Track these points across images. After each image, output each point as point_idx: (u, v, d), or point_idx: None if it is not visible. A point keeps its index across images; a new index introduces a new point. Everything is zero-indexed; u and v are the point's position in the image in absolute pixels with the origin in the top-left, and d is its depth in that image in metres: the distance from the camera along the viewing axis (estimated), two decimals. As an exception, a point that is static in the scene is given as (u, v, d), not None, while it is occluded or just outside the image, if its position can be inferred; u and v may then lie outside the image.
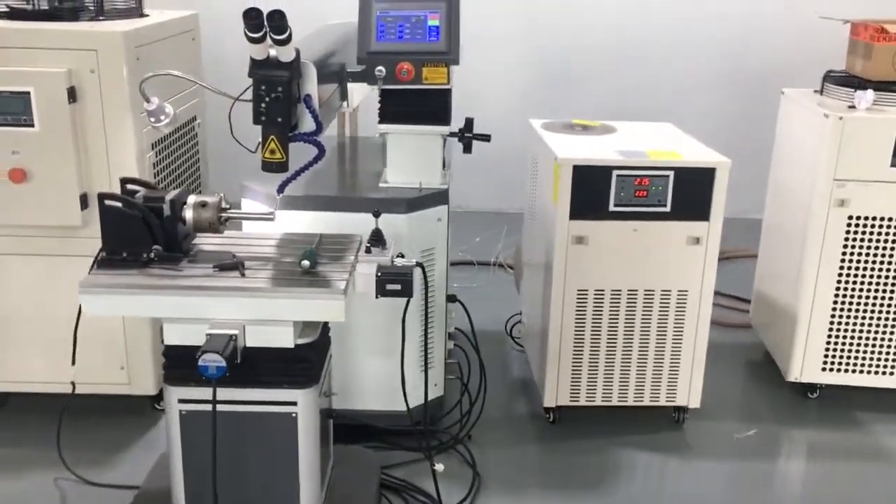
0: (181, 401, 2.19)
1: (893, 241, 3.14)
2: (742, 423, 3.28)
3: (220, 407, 2.11)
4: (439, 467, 2.60)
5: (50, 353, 2.98)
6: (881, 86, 3.14)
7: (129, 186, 2.28)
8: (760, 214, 3.79)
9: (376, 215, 2.41)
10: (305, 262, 2.14)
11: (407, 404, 2.50)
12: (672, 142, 3.17)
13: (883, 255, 3.16)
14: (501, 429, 3.18)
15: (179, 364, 2.15)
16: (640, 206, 2.92)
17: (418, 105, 2.77)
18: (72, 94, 2.73)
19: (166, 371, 2.18)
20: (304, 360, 2.18)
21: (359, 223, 2.67)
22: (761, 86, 5.37)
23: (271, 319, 2.08)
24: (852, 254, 3.17)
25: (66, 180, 2.79)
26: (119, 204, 2.17)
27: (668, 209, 2.92)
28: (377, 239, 2.40)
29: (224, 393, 2.11)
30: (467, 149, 2.91)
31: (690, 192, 2.91)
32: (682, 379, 3.11)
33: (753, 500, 2.89)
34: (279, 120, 2.14)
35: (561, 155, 2.91)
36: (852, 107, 3.14)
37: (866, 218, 3.13)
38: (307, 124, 2.24)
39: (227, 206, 2.24)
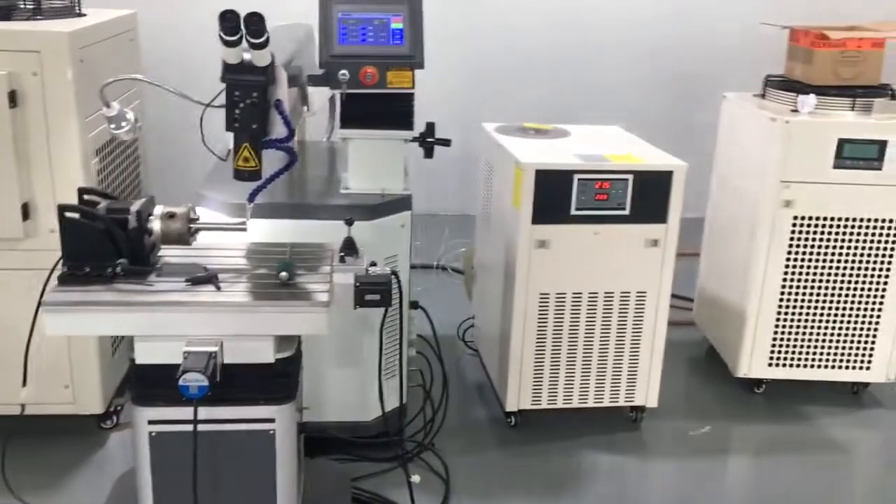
0: (151, 422, 2.08)
1: (836, 240, 3.26)
2: (695, 420, 3.35)
3: (188, 427, 2.02)
4: (415, 478, 2.56)
5: (-11, 373, 2.80)
6: (821, 90, 3.25)
7: (88, 197, 2.15)
8: (696, 213, 3.86)
9: (349, 223, 2.35)
10: (283, 274, 2.07)
11: (384, 413, 2.45)
12: (626, 146, 3.21)
13: (826, 253, 3.27)
14: (463, 435, 3.16)
15: (151, 383, 2.04)
16: (600, 209, 2.94)
17: (381, 110, 2.72)
18: (12, 99, 2.57)
19: (135, 391, 2.08)
20: (283, 375, 2.11)
21: (322, 231, 2.62)
22: (692, 88, 5.52)
23: (251, 335, 2.00)
24: (798, 252, 3.28)
25: (5, 189, 2.63)
26: (81, 216, 2.05)
27: (627, 212, 2.95)
28: (350, 247, 2.34)
29: (202, 412, 2.02)
30: (429, 154, 2.87)
31: (649, 196, 2.95)
32: (641, 379, 3.15)
33: (713, 496, 2.95)
34: (254, 126, 2.06)
35: (523, 160, 2.90)
36: (795, 111, 3.24)
37: (811, 218, 3.24)
38: (278, 130, 2.16)
39: (196, 217, 2.14)
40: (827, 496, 2.98)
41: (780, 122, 3.16)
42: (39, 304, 2.18)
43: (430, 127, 2.86)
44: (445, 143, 2.90)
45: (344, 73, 2.60)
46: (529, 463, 3.03)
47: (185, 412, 2.02)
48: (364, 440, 2.90)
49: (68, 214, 2.03)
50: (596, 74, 5.58)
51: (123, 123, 2.20)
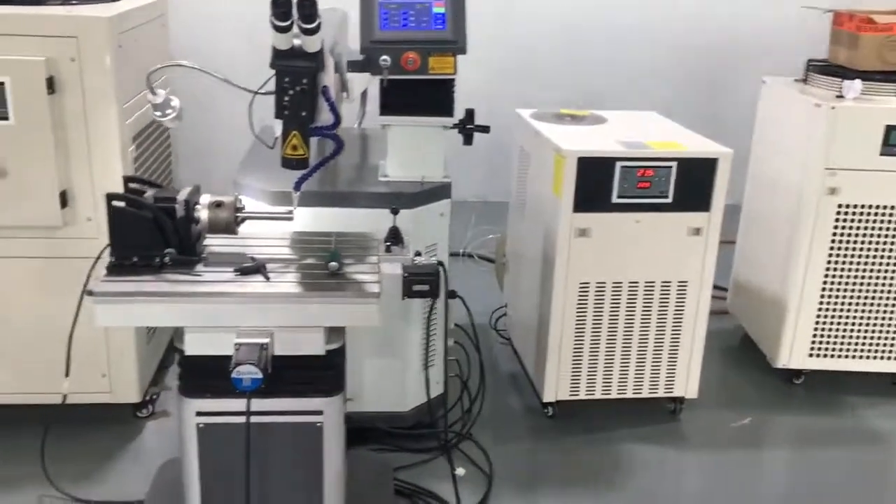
0: (199, 413, 2.05)
1: (881, 228, 3.20)
2: (734, 411, 3.31)
3: (242, 419, 1.99)
4: (460, 471, 2.53)
5: (26, 363, 2.78)
6: (867, 75, 3.18)
7: (133, 185, 2.12)
8: (728, 200, 3.79)
9: (394, 212, 2.32)
10: (333, 264, 2.03)
11: (429, 402, 2.42)
12: (667, 132, 3.15)
13: (871, 242, 3.21)
14: (500, 426, 3.13)
15: (199, 374, 2.01)
16: (642, 197, 2.89)
17: (422, 96, 2.67)
18: (50, 85, 2.54)
19: (183, 382, 2.05)
20: (331, 367, 2.08)
21: (362, 219, 2.59)
22: (720, 74, 5.45)
23: (302, 326, 1.97)
24: (841, 241, 3.22)
25: (44, 177, 2.60)
26: (129, 205, 2.01)
27: (669, 200, 2.90)
28: (395, 237, 2.31)
29: (241, 403, 2.00)
30: (468, 140, 2.82)
31: (692, 183, 2.89)
32: (681, 370, 3.10)
33: (756, 488, 2.91)
34: (303, 114, 2.02)
35: (564, 147, 2.85)
36: (840, 96, 3.17)
37: (856, 206, 3.18)
38: (325, 117, 2.12)
39: (243, 206, 2.11)
40: (869, 488, 2.93)
41: (826, 107, 3.09)
42: (83, 294, 2.16)
43: (470, 113, 2.81)
44: (484, 129, 2.85)
45: (385, 59, 2.55)
46: (569, 454, 3.00)
47: (234, 404, 2.01)
48: (402, 430, 2.88)
49: (116, 203, 2.00)
50: (623, 61, 5.51)
51: (169, 111, 2.16)
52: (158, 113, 2.16)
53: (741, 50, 5.48)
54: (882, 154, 3.12)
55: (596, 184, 2.86)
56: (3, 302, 2.73)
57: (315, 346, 1.99)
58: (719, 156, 2.89)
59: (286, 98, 2.00)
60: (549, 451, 3.02)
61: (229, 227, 2.08)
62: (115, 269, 2.00)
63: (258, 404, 2.01)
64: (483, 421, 3.05)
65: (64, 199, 2.64)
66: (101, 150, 2.65)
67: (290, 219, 2.15)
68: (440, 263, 2.26)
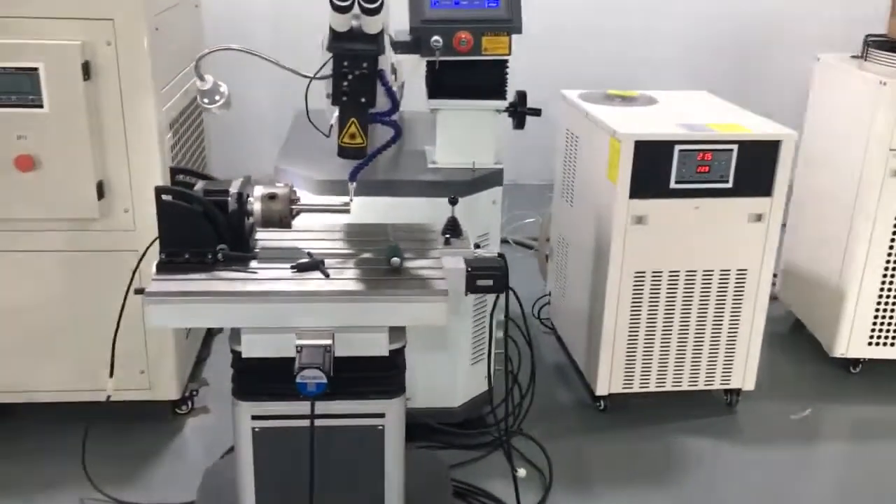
0: (255, 417, 1.95)
1: (945, 212, 3.06)
2: (792, 402, 3.19)
3: (300, 422, 1.89)
4: (521, 472, 2.43)
5: (63, 360, 2.68)
6: (931, 51, 3.04)
7: (181, 177, 2.01)
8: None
9: (453, 202, 2.19)
10: (395, 260, 1.92)
11: (491, 398, 2.32)
12: (724, 113, 3.02)
13: (935, 226, 3.08)
14: (550, 420, 3.02)
15: (255, 377, 1.91)
16: (701, 182, 2.76)
17: (474, 78, 2.54)
18: (86, 70, 2.42)
19: (238, 385, 1.94)
20: (393, 368, 1.97)
21: (412, 209, 2.47)
22: (755, 52, 5.29)
23: (366, 325, 1.86)
24: (904, 226, 3.09)
25: (80, 167, 2.49)
26: (179, 199, 1.90)
27: (730, 185, 2.77)
28: (453, 228, 2.19)
29: (306, 407, 1.90)
30: (520, 125, 2.70)
31: (753, 167, 2.76)
32: (738, 361, 2.99)
33: (817, 483, 2.80)
34: (362, 100, 1.90)
35: (620, 130, 2.72)
36: (902, 73, 3.03)
37: (920, 188, 3.04)
38: (381, 102, 1.99)
39: (298, 198, 1.99)
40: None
41: (892, 84, 2.95)
42: (128, 291, 2.06)
43: (523, 96, 2.68)
44: (536, 112, 2.72)
45: (437, 40, 2.43)
46: (624, 449, 2.89)
47: (291, 408, 1.91)
48: (451, 427, 2.78)
49: (165, 197, 1.88)
50: (657, 40, 5.35)
51: (217, 97, 2.04)
52: (206, 100, 2.04)
53: (777, 23, 5.32)
54: (949, 134, 2.98)
55: (653, 168, 2.73)
56: (38, 297, 2.63)
57: (379, 346, 1.88)
58: (783, 138, 2.75)
59: (345, 83, 1.88)
60: (604, 446, 2.91)
61: (284, 221, 1.97)
62: (165, 267, 1.89)
63: (318, 407, 1.90)
64: (533, 415, 2.93)
65: (101, 190, 2.53)
66: (139, 138, 2.53)
67: (347, 211, 2.03)
68: (501, 256, 2.14)
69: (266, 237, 2.07)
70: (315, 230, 2.15)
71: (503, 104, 2.60)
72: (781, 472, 2.83)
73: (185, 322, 1.86)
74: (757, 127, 2.82)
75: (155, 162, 2.55)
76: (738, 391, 3.07)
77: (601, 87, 3.25)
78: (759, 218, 2.82)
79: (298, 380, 1.73)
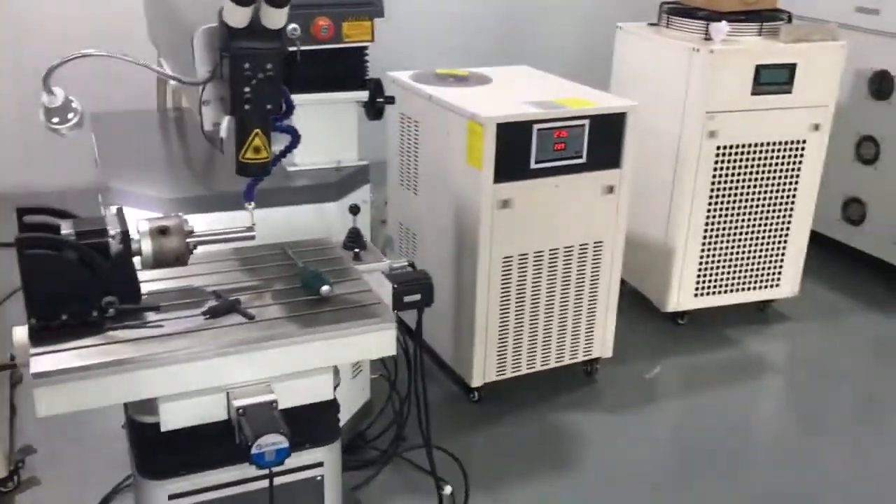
0: (173, 496, 1.62)
1: (752, 166, 3.29)
2: (639, 361, 3.31)
3: (230, 491, 1.61)
4: (447, 489, 2.27)
5: None
6: (729, 16, 3.22)
7: (32, 218, 1.60)
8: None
9: (355, 211, 1.97)
10: (326, 289, 1.67)
11: (427, 415, 2.14)
12: (562, 88, 3.00)
13: (744, 180, 3.30)
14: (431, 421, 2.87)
15: (174, 450, 1.58)
16: (559, 160, 2.73)
17: (333, 68, 2.29)
18: None
19: (152, 463, 1.60)
20: (332, 409, 1.72)
21: (278, 221, 2.19)
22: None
23: (309, 370, 1.60)
24: (720, 182, 3.28)
25: None
26: (45, 247, 1.50)
27: (584, 160, 2.77)
28: (358, 239, 1.97)
29: (230, 473, 1.62)
30: (378, 115, 2.49)
31: (604, 140, 2.78)
32: (598, 331, 3.03)
33: (701, 431, 2.94)
34: (268, 107, 1.61)
35: (481, 113, 2.60)
36: (707, 38, 3.19)
37: (732, 146, 3.24)
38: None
39: (192, 228, 1.66)
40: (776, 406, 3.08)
41: (704, 51, 3.10)
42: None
43: (378, 84, 2.46)
44: (391, 101, 2.52)
45: (294, 28, 2.14)
46: (511, 438, 2.83)
47: (218, 476, 1.61)
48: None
49: (30, 251, 1.48)
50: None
51: (70, 115, 1.63)
52: (56, 119, 1.62)
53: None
54: (753, 94, 3.19)
55: (514, 151, 2.65)
56: None
57: (324, 390, 1.63)
58: (628, 109, 2.79)
59: (246, 89, 1.58)
60: (488, 437, 2.83)
61: (180, 259, 1.64)
62: (41, 335, 1.50)
63: (245, 470, 1.62)
64: (411, 420, 2.78)
65: None
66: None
67: (252, 237, 1.73)
68: (411, 264, 1.96)
69: (148, 279, 1.72)
70: (201, 261, 1.82)
71: (365, 95, 2.37)
72: (662, 429, 2.94)
73: (86, 404, 1.47)
74: (603, 100, 2.84)
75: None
76: (597, 360, 3.12)
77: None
78: (610, 190, 2.85)
79: (255, 450, 1.45)
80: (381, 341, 1.63)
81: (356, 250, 1.92)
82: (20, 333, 1.53)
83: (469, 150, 2.66)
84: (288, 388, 1.58)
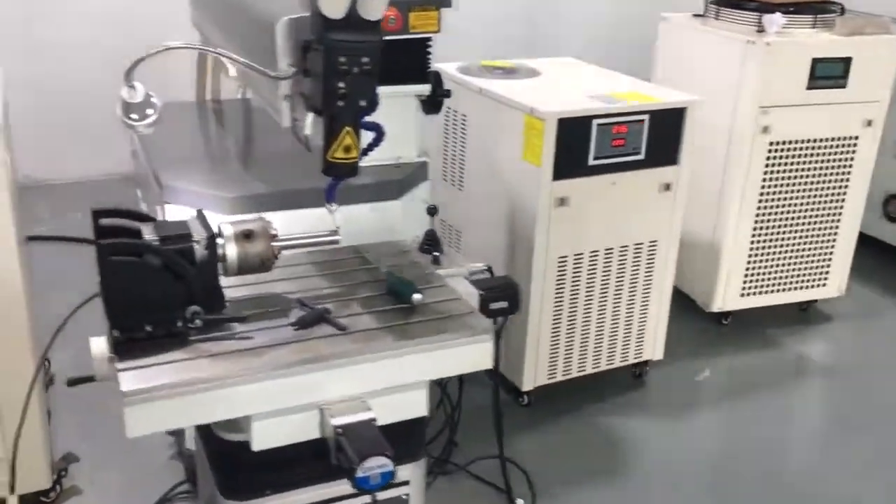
0: (263, 517, 1.53)
1: (804, 162, 3.20)
2: (687, 363, 3.22)
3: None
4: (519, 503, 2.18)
5: None
6: (783, 8, 3.13)
7: (108, 221, 1.49)
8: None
9: (432, 212, 1.86)
10: (418, 297, 1.57)
11: (500, 428, 2.04)
12: (616, 81, 2.90)
13: (795, 177, 3.21)
14: (482, 427, 2.78)
15: (261, 470, 1.48)
16: (617, 156, 2.64)
17: (397, 60, 2.17)
18: None
19: (238, 483, 1.50)
20: (419, 425, 1.63)
21: (344, 219, 2.08)
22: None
23: (403, 385, 1.50)
24: (771, 179, 3.19)
25: None
26: (127, 253, 1.40)
27: (642, 157, 2.68)
28: (434, 242, 1.86)
29: (316, 492, 1.53)
30: (436, 109, 2.38)
31: (662, 136, 2.68)
32: (649, 333, 2.94)
33: (751, 436, 2.86)
34: (361, 104, 1.51)
35: (541, 108, 2.50)
36: (760, 31, 3.10)
37: (785, 142, 3.15)
38: None
39: (276, 232, 1.56)
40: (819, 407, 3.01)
41: (761, 44, 3.00)
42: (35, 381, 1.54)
43: (438, 77, 2.36)
44: (448, 94, 2.42)
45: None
46: (564, 441, 2.75)
47: (303, 496, 1.52)
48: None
49: (115, 258, 1.37)
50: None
51: (149, 111, 1.52)
52: (135, 116, 1.51)
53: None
54: (808, 88, 3.10)
55: (573, 147, 2.55)
56: None
57: (418, 406, 1.54)
58: (688, 104, 2.69)
59: (341, 84, 1.47)
60: (541, 443, 2.75)
61: (266, 264, 1.53)
62: (126, 349, 1.39)
63: (333, 487, 1.53)
64: (463, 426, 2.69)
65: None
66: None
67: (338, 241, 1.63)
68: (489, 269, 1.87)
69: (225, 285, 1.61)
70: (276, 266, 1.71)
71: (427, 88, 2.27)
72: (713, 433, 2.86)
73: (177, 422, 1.38)
74: (662, 94, 2.74)
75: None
76: (646, 362, 3.04)
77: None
78: (667, 187, 2.76)
79: (360, 473, 1.35)
80: (478, 354, 1.53)
81: (435, 254, 1.82)
82: (99, 346, 1.43)
83: (525, 145, 2.56)
84: (383, 404, 1.47)
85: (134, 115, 1.50)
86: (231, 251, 1.49)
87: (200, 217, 1.52)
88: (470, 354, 1.53)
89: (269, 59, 1.64)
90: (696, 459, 2.73)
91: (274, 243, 1.53)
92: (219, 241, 1.48)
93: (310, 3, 1.45)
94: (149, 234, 1.44)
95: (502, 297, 1.75)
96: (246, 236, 1.51)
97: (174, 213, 2.03)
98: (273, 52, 1.63)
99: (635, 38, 4.24)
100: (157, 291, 1.41)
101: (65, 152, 4.53)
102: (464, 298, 1.64)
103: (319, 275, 1.71)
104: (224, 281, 1.58)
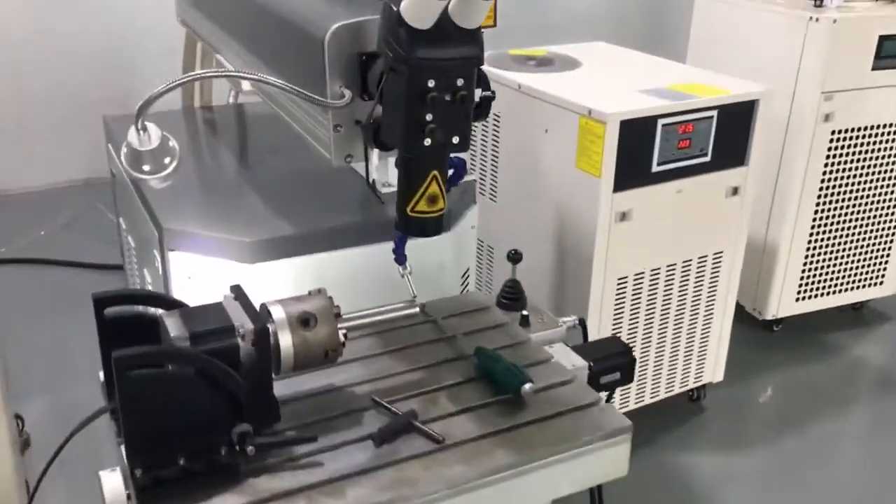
0: None
1: (867, 152, 2.88)
2: (744, 379, 2.89)
3: None
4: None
5: None
6: (841, -20, 2.79)
7: (114, 310, 1.10)
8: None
9: (516, 260, 1.49)
10: (529, 387, 1.20)
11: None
12: (668, 70, 2.54)
13: (857, 168, 2.89)
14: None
15: None
16: (682, 160, 2.28)
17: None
18: None
19: None
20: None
21: (382, 260, 1.71)
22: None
23: (525, 509, 1.14)
24: (832, 172, 2.86)
25: None
26: (147, 363, 1.01)
27: (708, 158, 2.32)
28: (517, 295, 1.49)
29: None
30: (484, 114, 1.99)
31: (730, 134, 2.33)
32: (711, 353, 2.61)
33: (830, 457, 2.55)
34: (455, 141, 1.13)
35: (599, 108, 2.13)
36: (819, 5, 2.75)
37: (847, 130, 2.82)
38: None
39: (339, 310, 1.18)
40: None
41: (825, 20, 2.65)
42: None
43: (484, 78, 1.97)
44: (494, 95, 2.03)
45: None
46: (630, 481, 2.40)
47: None
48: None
49: (135, 372, 0.99)
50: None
51: (167, 159, 1.12)
52: (147, 167, 1.11)
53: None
54: (874, 69, 2.77)
55: (635, 152, 2.19)
56: None
57: (539, 533, 1.17)
58: (761, 96, 2.34)
59: (429, 116, 1.09)
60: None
61: (331, 356, 1.15)
62: (153, 494, 1.01)
63: None
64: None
65: None
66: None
67: (417, 311, 1.26)
68: (582, 322, 1.50)
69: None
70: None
71: (478, 91, 1.88)
72: (777, 465, 2.54)
73: None
74: (730, 86, 2.37)
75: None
76: (704, 386, 2.71)
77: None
78: (735, 191, 2.41)
79: None
80: (615, 458, 1.17)
81: (523, 312, 1.45)
82: (114, 485, 1.04)
83: (581, 151, 2.19)
84: (499, 538, 1.11)
85: (147, 167, 1.10)
86: (286, 343, 1.11)
87: (240, 296, 1.13)
88: (602, 461, 1.17)
89: (308, 75, 1.25)
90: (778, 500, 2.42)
91: (341, 325, 1.15)
92: (270, 330, 1.10)
93: (383, 8, 1.07)
94: (177, 332, 1.05)
95: (614, 368, 1.39)
96: (304, 323, 1.12)
97: (181, 263, 1.64)
98: (317, 68, 1.23)
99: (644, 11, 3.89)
100: (191, 410, 1.03)
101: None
102: (579, 378, 1.28)
103: (386, 352, 1.33)
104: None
